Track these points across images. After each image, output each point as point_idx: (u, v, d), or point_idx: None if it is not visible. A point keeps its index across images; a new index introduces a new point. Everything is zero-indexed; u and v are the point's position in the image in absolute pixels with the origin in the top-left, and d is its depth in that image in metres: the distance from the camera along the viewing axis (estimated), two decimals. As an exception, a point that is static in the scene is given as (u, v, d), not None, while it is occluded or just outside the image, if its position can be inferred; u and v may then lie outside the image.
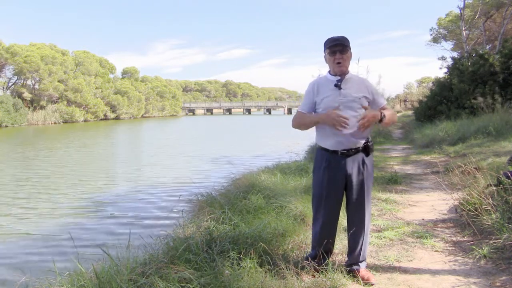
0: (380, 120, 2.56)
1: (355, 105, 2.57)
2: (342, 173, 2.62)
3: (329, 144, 2.63)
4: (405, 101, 37.13)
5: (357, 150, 2.60)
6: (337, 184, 2.64)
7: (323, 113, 2.57)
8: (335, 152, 2.61)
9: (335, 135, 2.58)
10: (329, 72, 2.68)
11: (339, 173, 2.62)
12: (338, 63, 2.57)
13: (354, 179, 2.62)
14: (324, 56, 2.67)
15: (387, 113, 2.61)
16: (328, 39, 2.61)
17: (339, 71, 2.60)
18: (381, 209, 4.55)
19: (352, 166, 2.61)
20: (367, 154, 2.64)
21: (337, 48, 2.57)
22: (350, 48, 2.61)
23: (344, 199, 2.75)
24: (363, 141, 2.61)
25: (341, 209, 2.80)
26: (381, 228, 3.87)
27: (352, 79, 2.63)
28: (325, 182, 2.65)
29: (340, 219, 2.97)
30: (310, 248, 2.89)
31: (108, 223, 5.77)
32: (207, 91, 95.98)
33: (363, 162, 2.63)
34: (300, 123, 2.72)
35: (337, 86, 2.58)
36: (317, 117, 2.61)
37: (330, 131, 2.61)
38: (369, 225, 2.77)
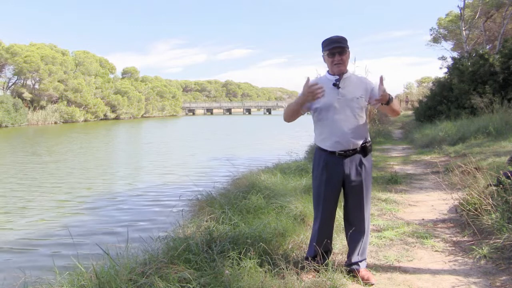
0: (388, 102, 2.51)
1: (353, 104, 2.57)
2: (339, 173, 2.62)
3: (327, 145, 2.63)
4: (406, 101, 37.05)
5: (354, 151, 2.61)
6: (334, 185, 2.65)
7: (300, 95, 2.55)
8: (332, 152, 2.62)
9: (333, 135, 2.59)
10: (328, 72, 2.68)
11: (336, 173, 2.63)
12: (337, 64, 2.58)
13: (352, 179, 2.62)
14: (323, 56, 2.67)
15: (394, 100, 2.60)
16: (326, 39, 2.61)
17: (338, 71, 2.61)
18: (381, 209, 4.56)
19: (349, 167, 2.61)
20: (365, 155, 2.64)
21: (336, 50, 2.57)
22: (348, 48, 2.61)
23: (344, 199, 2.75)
24: (361, 142, 2.61)
25: (341, 209, 2.81)
26: (381, 228, 3.87)
27: (350, 79, 2.64)
28: (322, 182, 2.66)
29: (340, 219, 2.97)
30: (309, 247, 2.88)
31: (108, 223, 5.77)
32: (207, 91, 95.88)
33: (361, 163, 2.63)
34: (287, 113, 2.72)
35: (336, 85, 2.59)
36: (297, 99, 2.59)
37: (328, 132, 2.62)
38: (369, 225, 2.77)
